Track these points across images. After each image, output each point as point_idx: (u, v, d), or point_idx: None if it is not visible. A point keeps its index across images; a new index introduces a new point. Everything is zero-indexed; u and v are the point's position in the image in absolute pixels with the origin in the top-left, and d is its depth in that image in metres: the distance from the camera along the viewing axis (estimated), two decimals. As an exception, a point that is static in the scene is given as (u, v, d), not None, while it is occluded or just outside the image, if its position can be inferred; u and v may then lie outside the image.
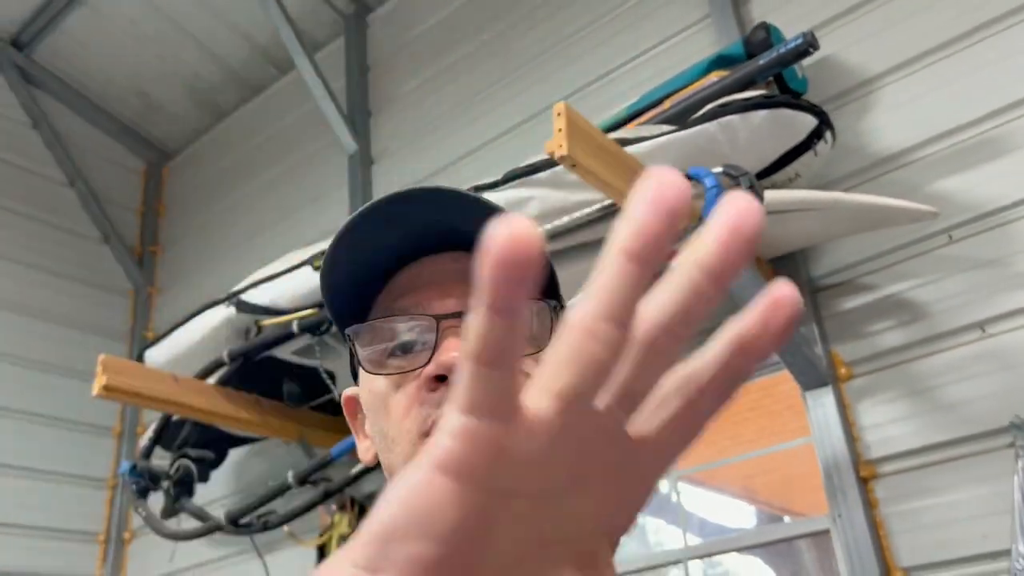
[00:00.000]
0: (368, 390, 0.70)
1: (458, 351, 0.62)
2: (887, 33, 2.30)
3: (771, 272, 2.23)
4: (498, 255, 0.25)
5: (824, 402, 2.09)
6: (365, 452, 0.74)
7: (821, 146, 2.04)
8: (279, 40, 3.83)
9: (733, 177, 1.82)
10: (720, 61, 2.25)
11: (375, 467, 2.18)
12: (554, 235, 2.03)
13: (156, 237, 4.43)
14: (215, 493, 3.37)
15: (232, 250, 3.97)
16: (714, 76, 2.18)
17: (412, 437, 0.64)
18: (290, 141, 3.96)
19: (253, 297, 2.55)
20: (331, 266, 0.69)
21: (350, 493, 2.76)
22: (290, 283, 2.47)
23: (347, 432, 2.89)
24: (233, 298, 2.59)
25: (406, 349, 0.67)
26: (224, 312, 2.60)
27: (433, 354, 0.64)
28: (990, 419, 1.90)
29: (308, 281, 2.43)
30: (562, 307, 0.70)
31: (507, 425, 0.26)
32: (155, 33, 3.91)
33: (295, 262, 2.50)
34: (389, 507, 0.27)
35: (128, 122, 4.42)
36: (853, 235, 2.15)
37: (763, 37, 2.23)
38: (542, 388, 0.27)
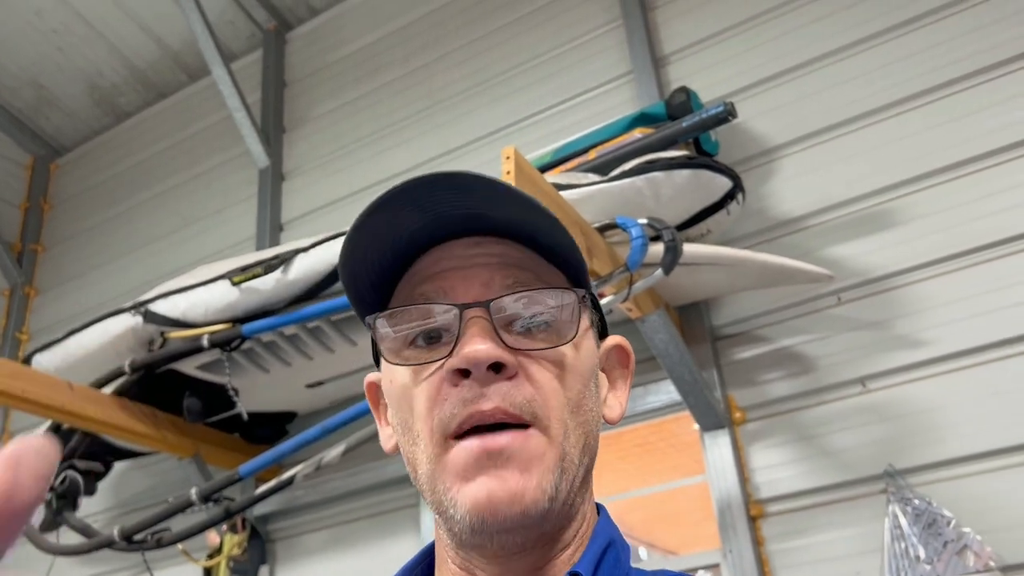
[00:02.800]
0: (390, 380, 0.66)
1: (483, 344, 0.60)
2: (792, 108, 2.51)
3: (678, 318, 2.38)
4: None
5: (720, 443, 2.24)
6: (387, 440, 0.71)
7: (733, 207, 2.21)
8: (192, 46, 3.78)
9: (656, 229, 1.95)
10: (643, 118, 2.40)
11: (281, 486, 2.15)
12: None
13: (39, 235, 4.22)
14: (91, 508, 3.23)
15: (124, 256, 3.83)
16: (637, 132, 2.33)
17: (437, 438, 0.61)
18: (196, 150, 3.88)
19: (162, 308, 2.49)
20: (351, 251, 0.65)
21: (244, 514, 2.72)
22: (204, 296, 2.44)
23: (245, 452, 2.86)
24: (140, 307, 2.52)
25: (429, 338, 0.64)
26: (129, 321, 2.53)
27: (456, 345, 0.61)
28: (866, 467, 2.09)
29: (224, 295, 2.40)
30: (591, 296, 0.68)
31: None
32: (60, 26, 3.77)
33: (211, 275, 2.47)
34: None
35: (17, 113, 4.21)
36: (754, 290, 2.33)
37: (683, 100, 2.39)
38: None
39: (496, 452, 0.59)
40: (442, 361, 0.62)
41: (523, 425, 0.61)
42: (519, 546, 0.62)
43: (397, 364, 0.64)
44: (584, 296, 0.66)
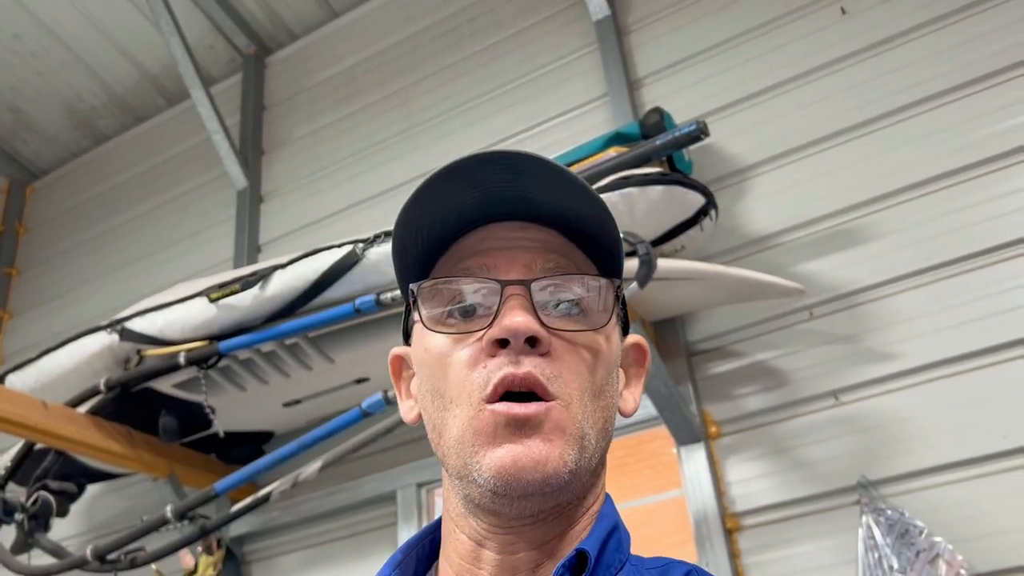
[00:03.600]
0: (424, 348, 0.69)
1: (522, 318, 0.63)
2: (762, 129, 2.57)
3: (653, 333, 2.40)
4: None
5: (696, 457, 2.26)
6: (408, 412, 0.74)
7: (707, 223, 2.25)
8: (171, 70, 3.81)
9: (631, 243, 1.98)
10: (618, 138, 2.44)
11: (257, 503, 2.14)
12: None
13: (13, 258, 4.19)
14: (63, 532, 3.18)
15: (100, 278, 3.82)
16: (613, 151, 2.37)
17: (473, 400, 0.64)
18: (174, 173, 3.89)
19: (139, 325, 2.48)
20: (405, 221, 0.68)
21: (218, 535, 2.69)
22: (181, 313, 2.43)
23: (221, 473, 2.84)
24: (116, 325, 2.51)
25: (467, 312, 0.67)
26: (105, 339, 2.51)
27: (495, 318, 0.64)
28: (840, 478, 2.11)
29: (202, 312, 2.40)
30: (621, 285, 0.71)
31: None
32: (40, 49, 3.78)
33: (188, 292, 2.47)
34: None
35: (-5, 137, 4.20)
36: (728, 305, 2.36)
37: (657, 120, 2.44)
38: None
39: (523, 420, 0.62)
40: (482, 332, 0.65)
41: (546, 399, 0.64)
42: (535, 514, 0.65)
43: (438, 332, 0.68)
44: (619, 287, 0.70)
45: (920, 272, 2.19)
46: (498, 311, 0.65)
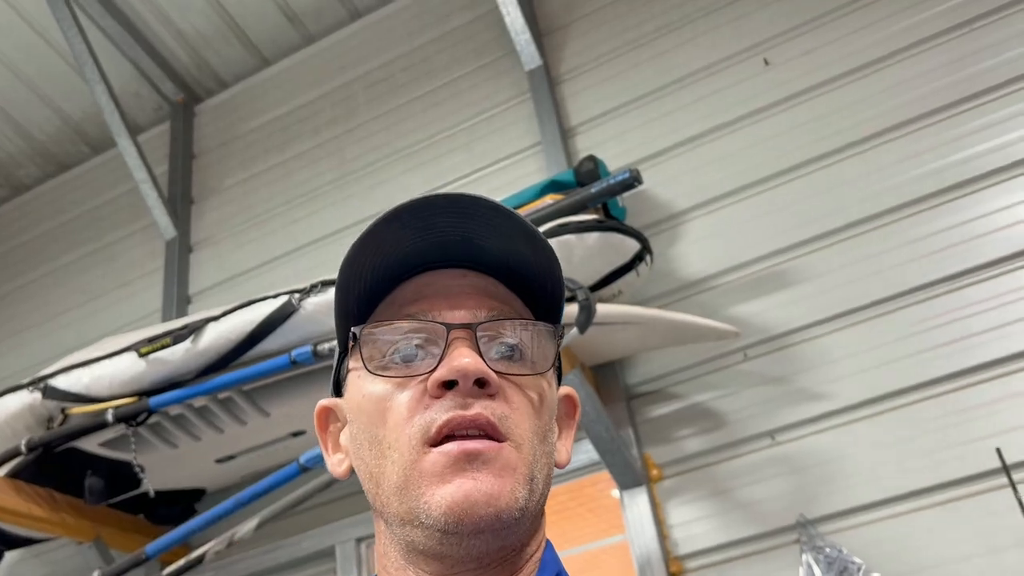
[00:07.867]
0: (363, 395, 0.68)
1: (470, 359, 0.62)
2: (692, 175, 2.63)
3: (593, 377, 2.42)
4: None
5: (638, 501, 2.26)
6: (338, 465, 0.72)
7: (642, 268, 2.28)
8: (95, 118, 3.73)
9: (571, 289, 2.00)
10: (553, 185, 2.48)
11: (190, 566, 2.06)
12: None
13: (-75, 314, 4.00)
14: (-22, 603, 3.01)
15: (22, 332, 3.67)
16: (549, 198, 2.39)
17: (414, 443, 0.63)
18: (99, 223, 3.79)
19: (63, 383, 2.39)
20: (351, 263, 0.68)
21: (148, 598, 2.58)
22: (109, 369, 2.35)
23: (150, 534, 2.73)
24: (39, 383, 2.41)
25: (408, 357, 0.66)
26: (26, 398, 2.41)
27: (441, 360, 0.64)
28: (779, 518, 2.14)
29: (131, 367, 2.32)
30: (562, 330, 0.72)
31: None
32: (-44, 97, 3.66)
33: (116, 347, 2.39)
34: None
35: (-94, 187, 4.03)
36: (665, 348, 2.39)
37: (591, 168, 2.48)
38: None
39: (474, 455, 0.61)
40: (425, 375, 0.64)
41: (498, 440, 0.63)
42: (482, 555, 0.64)
43: (379, 375, 0.67)
44: (560, 334, 0.71)
45: (848, 312, 2.26)
46: (444, 354, 0.64)
